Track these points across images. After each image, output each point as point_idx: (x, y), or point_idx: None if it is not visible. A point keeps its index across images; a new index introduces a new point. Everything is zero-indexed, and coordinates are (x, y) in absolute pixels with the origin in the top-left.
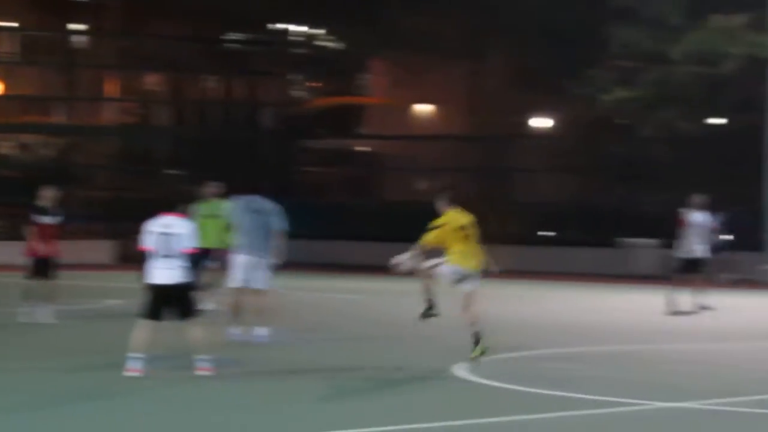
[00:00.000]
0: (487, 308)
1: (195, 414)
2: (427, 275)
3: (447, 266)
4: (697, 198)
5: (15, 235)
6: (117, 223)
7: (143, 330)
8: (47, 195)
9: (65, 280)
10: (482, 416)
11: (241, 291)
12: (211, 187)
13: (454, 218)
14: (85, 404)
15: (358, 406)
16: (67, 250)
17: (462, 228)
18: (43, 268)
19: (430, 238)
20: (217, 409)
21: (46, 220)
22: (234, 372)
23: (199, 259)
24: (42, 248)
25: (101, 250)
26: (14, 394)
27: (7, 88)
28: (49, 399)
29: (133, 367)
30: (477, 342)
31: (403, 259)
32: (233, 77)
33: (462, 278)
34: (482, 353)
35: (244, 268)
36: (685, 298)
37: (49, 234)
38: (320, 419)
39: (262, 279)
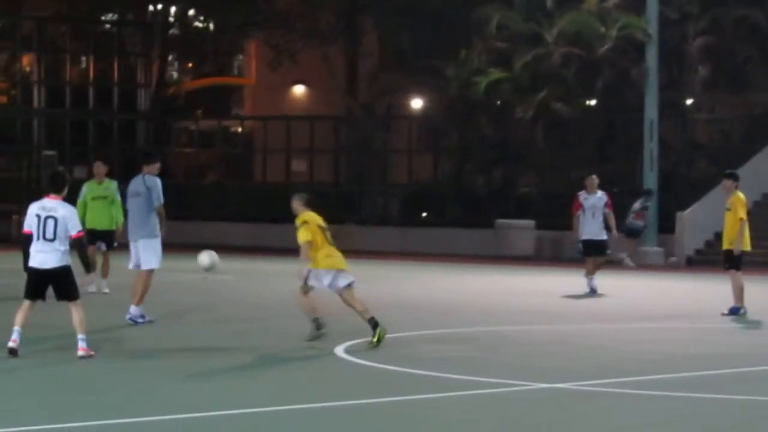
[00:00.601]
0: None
1: (68, 394)
2: (305, 293)
3: (315, 271)
4: (591, 179)
5: None
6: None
7: (22, 308)
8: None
9: None
10: (360, 397)
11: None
12: (97, 167)
13: (312, 217)
14: None
15: (236, 385)
16: None
17: (321, 228)
18: None
19: (306, 235)
20: (90, 389)
21: None
22: (113, 352)
23: (83, 240)
24: None
25: None
26: None
27: None
28: None
29: (12, 338)
30: (376, 326)
31: (307, 272)
32: (108, 58)
33: (334, 279)
34: (380, 339)
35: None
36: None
37: None
38: (197, 399)
39: (146, 259)
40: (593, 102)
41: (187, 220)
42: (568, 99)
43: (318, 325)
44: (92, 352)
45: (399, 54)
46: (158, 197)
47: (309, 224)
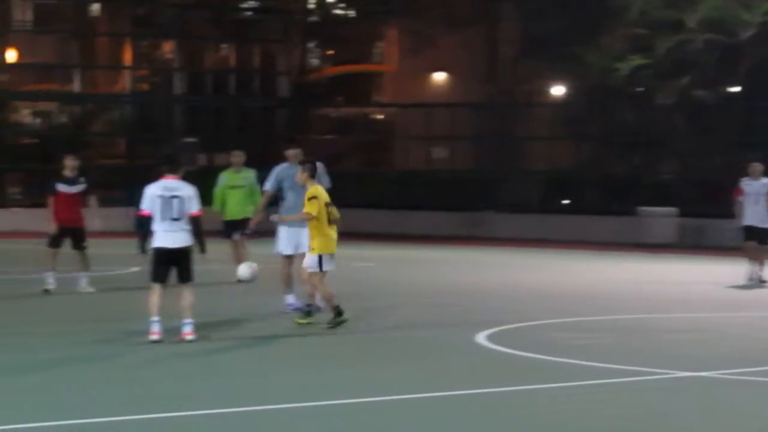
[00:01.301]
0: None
1: (192, 379)
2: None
3: (312, 256)
4: (754, 166)
5: (31, 202)
6: (132, 191)
7: (155, 294)
8: (70, 164)
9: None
10: (503, 384)
11: (289, 259)
12: (235, 157)
13: (321, 193)
14: (92, 366)
15: (375, 373)
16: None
17: (326, 205)
18: (67, 237)
19: (315, 210)
20: (215, 374)
21: (69, 189)
22: (233, 338)
23: (200, 220)
24: (65, 217)
25: (117, 217)
26: (38, 353)
27: (20, 56)
28: (68, 359)
29: (153, 330)
30: (310, 314)
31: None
32: (247, 45)
33: (328, 263)
34: (309, 323)
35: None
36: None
37: (72, 203)
38: (335, 387)
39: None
40: (734, 88)
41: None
42: (709, 85)
43: (339, 311)
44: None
45: (538, 40)
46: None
47: (318, 200)
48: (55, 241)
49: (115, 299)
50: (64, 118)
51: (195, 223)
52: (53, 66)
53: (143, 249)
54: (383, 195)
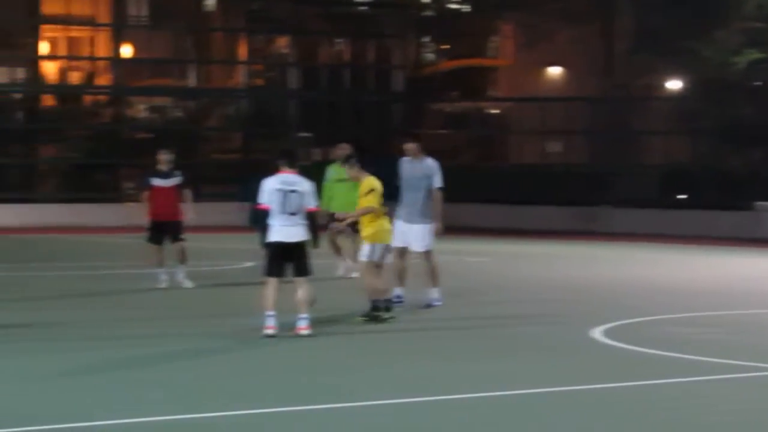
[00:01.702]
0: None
1: (312, 374)
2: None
3: (366, 245)
4: None
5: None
6: (247, 185)
7: (270, 288)
8: (164, 158)
9: (197, 242)
10: (618, 380)
11: (401, 253)
12: (340, 150)
13: (378, 185)
14: (207, 360)
15: (487, 368)
16: (199, 212)
17: (381, 196)
18: (164, 231)
19: (374, 201)
20: (326, 371)
21: (164, 183)
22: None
23: (317, 215)
24: (161, 212)
25: (232, 212)
26: (153, 348)
27: (136, 51)
28: (183, 354)
29: (270, 325)
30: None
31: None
32: (362, 40)
33: (382, 254)
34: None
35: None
36: None
37: (167, 197)
38: (448, 382)
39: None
40: None
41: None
42: None
43: (378, 308)
44: (312, 330)
45: (653, 34)
46: (439, 180)
47: (376, 192)
48: (155, 237)
49: (228, 294)
50: (178, 113)
51: (311, 218)
52: (168, 61)
53: (263, 243)
54: (497, 189)
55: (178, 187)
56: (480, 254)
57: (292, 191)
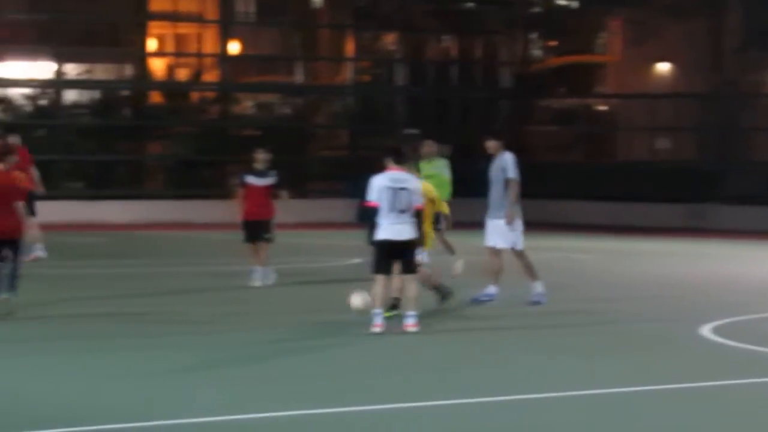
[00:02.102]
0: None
1: (422, 371)
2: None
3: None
4: None
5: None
6: (355, 182)
7: (378, 285)
8: (260, 157)
9: (303, 239)
10: (728, 377)
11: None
12: (426, 146)
13: (430, 188)
14: (313, 357)
15: (591, 365)
16: (306, 209)
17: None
18: (256, 229)
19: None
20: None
21: (258, 181)
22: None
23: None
24: (253, 210)
25: (340, 208)
26: (257, 346)
27: (243, 48)
28: (289, 351)
29: (376, 323)
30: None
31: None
32: (469, 36)
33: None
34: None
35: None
36: None
37: (260, 195)
38: (569, 378)
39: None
40: None
41: (549, 199)
42: None
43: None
44: (419, 327)
45: (763, 30)
46: (511, 171)
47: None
48: (250, 236)
49: (334, 291)
50: (285, 110)
51: (419, 215)
52: (275, 58)
53: (371, 241)
54: (605, 186)
55: (272, 187)
56: (587, 251)
57: (402, 189)
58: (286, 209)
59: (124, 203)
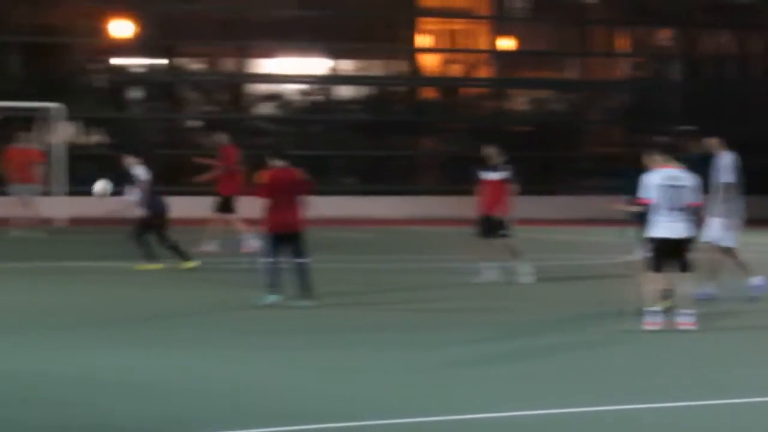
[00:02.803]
0: None
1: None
2: None
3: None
4: None
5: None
6: (628, 179)
7: (653, 283)
8: (492, 152)
9: (572, 236)
10: None
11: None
12: (707, 142)
13: None
14: (582, 354)
15: None
16: (578, 206)
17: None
18: (489, 225)
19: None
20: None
21: (491, 176)
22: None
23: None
24: (488, 205)
25: (611, 205)
26: (518, 341)
27: (516, 43)
28: (557, 347)
29: (652, 321)
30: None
31: None
32: (746, 31)
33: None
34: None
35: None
36: None
37: (493, 190)
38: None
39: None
40: None
41: None
42: None
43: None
44: (696, 326)
45: None
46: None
47: None
48: (483, 231)
49: (603, 287)
50: (558, 106)
51: (696, 213)
52: (548, 53)
53: (640, 238)
54: None
55: (505, 182)
56: None
57: (677, 186)
58: (556, 206)
59: (395, 199)
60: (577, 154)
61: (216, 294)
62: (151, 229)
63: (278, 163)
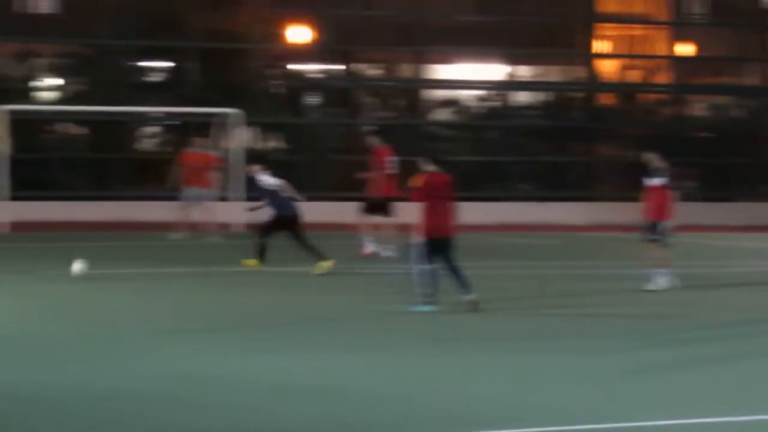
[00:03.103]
0: None
1: None
2: None
3: None
4: None
5: (703, 197)
6: None
7: None
8: (651, 157)
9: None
10: None
11: None
12: None
13: None
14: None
15: None
16: (759, 212)
17: None
18: (652, 231)
19: None
20: None
21: (650, 181)
22: None
23: None
24: (651, 211)
25: None
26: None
27: (698, 49)
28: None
29: None
30: None
31: None
32: None
33: None
34: None
35: None
36: None
37: (653, 195)
38: None
39: None
40: None
41: None
42: None
43: None
44: None
45: None
46: None
47: None
48: (647, 237)
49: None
50: (739, 112)
51: None
52: (727, 59)
53: None
54: None
55: (666, 187)
56: None
57: None
58: (735, 212)
59: (573, 205)
60: (757, 161)
61: (370, 299)
62: (281, 232)
63: (431, 167)
